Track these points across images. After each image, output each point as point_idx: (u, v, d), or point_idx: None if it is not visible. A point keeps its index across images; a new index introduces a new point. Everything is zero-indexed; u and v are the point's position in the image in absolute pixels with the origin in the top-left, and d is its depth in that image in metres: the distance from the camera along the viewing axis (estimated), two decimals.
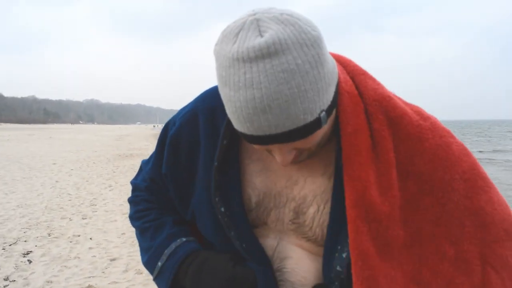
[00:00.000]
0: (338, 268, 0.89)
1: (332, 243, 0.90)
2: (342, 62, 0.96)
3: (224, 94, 0.76)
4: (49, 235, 5.74)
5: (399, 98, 0.95)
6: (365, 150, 0.86)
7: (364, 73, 0.94)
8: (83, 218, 6.72)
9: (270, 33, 0.70)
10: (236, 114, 0.75)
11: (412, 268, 0.86)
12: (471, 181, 0.88)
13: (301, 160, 0.89)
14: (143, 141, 33.90)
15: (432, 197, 0.86)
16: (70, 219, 6.64)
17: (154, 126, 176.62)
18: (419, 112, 0.92)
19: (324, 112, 0.76)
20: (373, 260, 0.84)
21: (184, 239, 1.05)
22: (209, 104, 1.03)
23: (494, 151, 29.65)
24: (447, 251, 0.86)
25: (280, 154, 0.82)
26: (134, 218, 1.15)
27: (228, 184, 0.97)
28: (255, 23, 0.72)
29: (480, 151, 28.22)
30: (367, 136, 0.87)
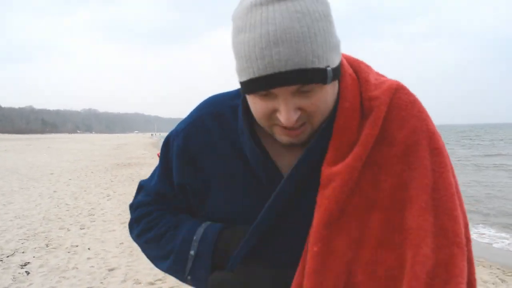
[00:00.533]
0: None
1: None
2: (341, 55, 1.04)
3: (237, 42, 0.82)
4: (47, 245, 5.72)
5: (391, 79, 1.01)
6: (354, 126, 0.91)
7: (357, 60, 1.04)
8: (81, 228, 6.70)
9: None
10: (249, 55, 0.80)
11: (379, 232, 0.87)
12: (439, 156, 0.91)
13: (303, 138, 0.91)
14: (141, 150, 33.90)
15: (405, 162, 0.90)
16: (68, 230, 6.62)
17: (152, 134, 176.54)
18: (404, 89, 0.98)
19: (330, 68, 0.82)
20: (337, 221, 0.88)
21: (208, 222, 1.02)
22: (214, 109, 1.06)
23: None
24: (412, 218, 0.86)
25: (285, 109, 0.84)
26: (145, 230, 1.10)
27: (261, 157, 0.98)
28: None
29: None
30: (358, 114, 0.93)
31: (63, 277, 4.52)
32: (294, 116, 0.84)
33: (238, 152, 1.01)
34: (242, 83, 0.86)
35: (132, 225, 1.16)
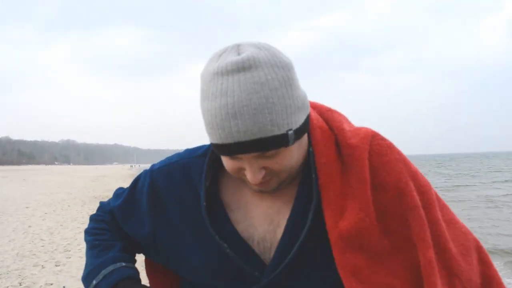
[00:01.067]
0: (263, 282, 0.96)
1: (277, 264, 0.95)
2: (311, 104, 1.07)
3: (203, 108, 0.85)
4: (20, 284, 5.54)
5: (363, 127, 1.05)
6: (337, 177, 0.94)
7: (329, 109, 1.07)
8: (56, 265, 6.51)
9: (247, 53, 0.82)
10: (211, 123, 0.83)
11: (408, 273, 0.92)
12: (426, 193, 0.97)
13: (272, 188, 0.94)
14: (120, 182, 33.46)
15: (402, 203, 0.94)
16: (43, 267, 6.43)
17: (131, 166, 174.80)
18: (378, 135, 1.02)
19: (292, 131, 0.84)
20: (365, 272, 0.90)
21: (123, 264, 1.07)
22: (183, 159, 1.10)
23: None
24: (423, 254, 0.91)
25: (250, 171, 0.88)
26: (88, 233, 1.17)
27: (221, 223, 1.00)
28: (236, 47, 0.85)
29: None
30: (338, 165, 0.96)
31: None
32: (259, 175, 0.88)
33: (197, 204, 1.03)
34: (211, 143, 0.89)
35: (90, 220, 1.23)
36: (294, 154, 0.90)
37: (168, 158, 1.15)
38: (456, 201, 17.92)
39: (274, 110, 0.80)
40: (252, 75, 0.80)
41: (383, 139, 1.01)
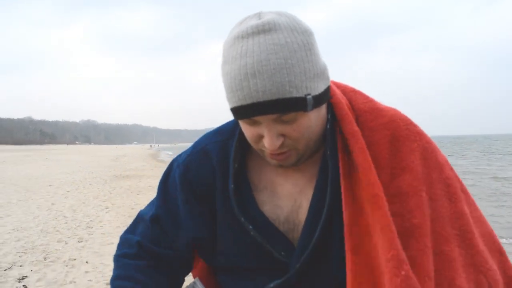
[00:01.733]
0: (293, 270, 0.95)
1: (304, 246, 0.95)
2: (334, 84, 1.06)
3: (223, 73, 0.87)
4: (45, 259, 5.68)
5: (392, 109, 1.03)
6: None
7: (353, 90, 1.06)
8: (79, 241, 6.66)
9: (267, 17, 0.84)
10: (231, 85, 0.84)
11: (415, 257, 0.89)
12: (452, 186, 0.96)
13: (291, 162, 0.94)
14: (140, 162, 33.87)
15: (426, 192, 0.93)
16: (66, 243, 6.59)
17: (150, 146, 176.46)
18: (408, 120, 1.00)
19: (310, 97, 0.84)
20: (365, 254, 0.90)
21: None
22: (216, 139, 1.09)
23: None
24: (440, 246, 0.90)
25: (268, 136, 0.88)
26: (112, 284, 1.09)
27: (247, 205, 1.01)
28: (257, 14, 0.88)
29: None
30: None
31: None
32: (277, 142, 0.88)
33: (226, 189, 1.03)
34: (230, 110, 0.90)
35: (113, 262, 1.14)
36: (312, 122, 0.89)
37: (193, 146, 1.13)
38: None
39: (292, 72, 0.81)
40: (272, 37, 0.81)
41: (412, 124, 1.00)
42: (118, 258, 1.13)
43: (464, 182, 1.01)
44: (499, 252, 0.98)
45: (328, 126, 0.96)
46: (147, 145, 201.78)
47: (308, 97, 0.84)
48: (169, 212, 1.09)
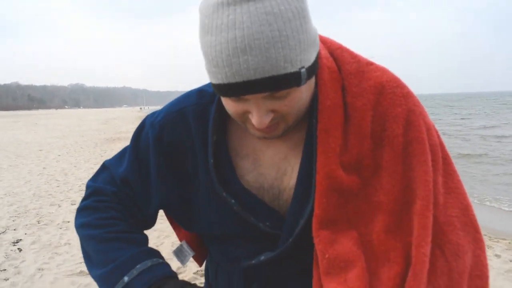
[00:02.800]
0: (290, 240, 0.92)
1: (295, 219, 0.92)
2: (321, 39, 0.96)
3: (204, 44, 0.75)
4: (38, 222, 5.71)
5: (379, 69, 0.94)
6: (339, 124, 0.87)
7: (340, 47, 0.96)
8: (72, 204, 6.68)
9: None
10: (215, 60, 0.74)
11: (384, 228, 0.86)
12: (436, 154, 0.88)
13: (278, 135, 0.88)
14: (130, 124, 33.70)
15: (405, 162, 0.86)
16: (59, 206, 6.60)
17: (140, 108, 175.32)
18: (395, 81, 0.92)
19: (304, 69, 0.76)
20: (339, 227, 0.86)
21: (160, 260, 0.96)
22: (197, 101, 1.00)
23: None
24: (416, 214, 0.85)
25: (257, 114, 0.80)
26: (92, 225, 0.98)
27: (228, 178, 0.96)
28: None
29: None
30: (342, 111, 0.88)
31: (56, 253, 4.53)
32: (266, 119, 0.81)
33: (205, 155, 0.97)
34: (212, 85, 0.80)
35: (81, 211, 1.03)
36: (304, 95, 0.82)
37: (170, 105, 1.03)
38: None
39: (287, 45, 0.72)
40: (264, 5, 0.70)
41: (399, 86, 0.91)
42: (95, 204, 1.01)
43: None
44: (473, 228, 0.89)
45: (315, 90, 0.89)
46: (137, 108, 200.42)
47: (302, 70, 0.76)
48: (139, 176, 1.01)
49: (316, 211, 0.86)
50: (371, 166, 0.87)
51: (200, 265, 1.23)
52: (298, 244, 0.92)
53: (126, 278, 0.90)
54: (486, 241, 5.19)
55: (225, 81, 0.75)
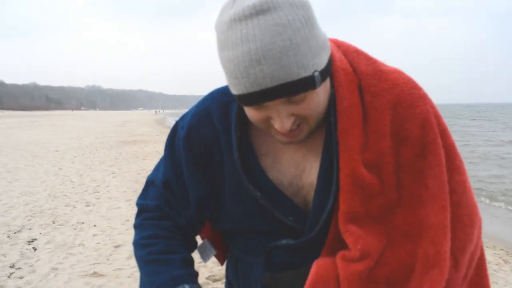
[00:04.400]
0: (312, 233, 0.97)
1: (317, 215, 0.96)
2: (336, 43, 1.02)
3: (223, 59, 0.82)
4: (53, 222, 5.78)
5: (395, 71, 0.98)
6: (358, 123, 0.91)
7: (356, 51, 1.01)
8: (86, 205, 6.75)
9: None
10: (234, 73, 0.80)
11: (406, 229, 0.90)
12: (451, 156, 0.93)
13: (302, 138, 0.93)
14: (146, 127, 33.95)
15: (425, 161, 0.91)
16: (74, 207, 6.67)
17: (156, 111, 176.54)
18: (412, 83, 0.97)
19: (317, 73, 0.81)
20: (364, 222, 0.90)
21: (186, 286, 0.99)
22: (221, 100, 1.06)
23: None
24: (437, 218, 0.89)
25: (278, 118, 0.85)
26: (139, 245, 1.07)
27: (253, 172, 1.01)
28: None
29: None
30: (360, 110, 0.93)
31: (70, 253, 4.57)
32: (288, 123, 0.86)
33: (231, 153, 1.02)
34: (234, 96, 0.86)
35: (135, 229, 1.13)
36: (321, 97, 0.87)
37: (197, 105, 1.10)
38: None
39: (299, 52, 0.78)
40: (273, 17, 0.76)
41: (416, 87, 0.96)
42: (141, 222, 1.11)
43: None
44: (479, 225, 0.96)
45: (332, 91, 0.93)
46: (153, 111, 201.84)
47: (316, 73, 0.81)
48: (177, 175, 1.07)
49: (342, 207, 0.90)
50: (391, 164, 0.91)
51: (222, 263, 1.27)
52: (318, 236, 0.96)
53: None
54: (504, 256, 5.13)
55: (245, 91, 0.81)
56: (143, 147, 15.92)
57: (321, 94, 0.87)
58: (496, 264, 4.80)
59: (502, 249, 5.45)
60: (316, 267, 0.93)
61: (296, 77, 0.78)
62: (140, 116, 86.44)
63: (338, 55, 0.96)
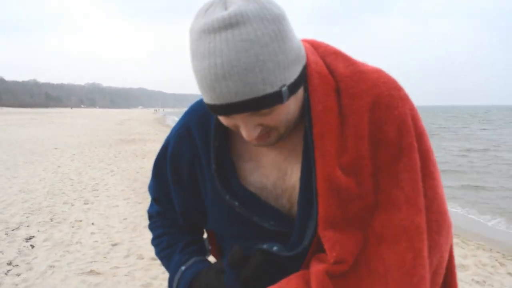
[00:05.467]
0: (305, 242, 0.94)
1: (303, 220, 0.95)
2: (314, 45, 1.00)
3: (193, 67, 0.81)
4: (51, 220, 5.79)
5: (376, 71, 0.97)
6: (334, 127, 0.90)
7: (335, 52, 0.99)
8: (85, 203, 6.77)
9: (233, 7, 0.76)
10: (202, 84, 0.80)
11: (385, 232, 0.89)
12: (425, 161, 0.92)
13: (271, 142, 0.92)
14: (145, 126, 33.96)
15: (401, 163, 0.90)
16: (72, 204, 6.69)
17: (155, 110, 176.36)
18: (392, 83, 0.95)
19: (285, 87, 0.80)
20: (341, 227, 0.88)
21: (182, 268, 1.13)
22: (198, 112, 1.08)
23: None
24: (411, 219, 0.88)
25: (245, 129, 0.86)
26: (153, 246, 1.24)
27: (230, 181, 1.01)
28: (223, 0, 0.79)
29: None
30: (336, 114, 0.91)
31: (67, 251, 4.59)
32: (254, 133, 0.86)
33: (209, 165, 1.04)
34: (205, 103, 0.87)
35: (150, 230, 1.28)
36: (291, 108, 0.86)
37: (180, 119, 1.13)
38: None
39: (265, 68, 0.76)
40: (240, 32, 0.75)
41: (396, 88, 0.94)
42: (151, 226, 1.27)
43: None
44: (447, 231, 0.95)
45: (306, 95, 0.91)
46: (152, 110, 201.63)
47: (284, 88, 0.80)
48: (163, 193, 1.18)
49: (320, 212, 0.89)
50: (368, 167, 0.90)
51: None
52: (314, 244, 0.95)
53: (174, 285, 1.13)
54: (500, 259, 5.14)
55: (211, 102, 0.81)
56: (142, 146, 15.93)
57: (290, 105, 0.86)
58: (492, 267, 4.82)
59: (498, 252, 5.47)
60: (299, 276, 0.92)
61: (261, 93, 0.78)
62: (140, 114, 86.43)
63: (313, 58, 0.94)
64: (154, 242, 1.23)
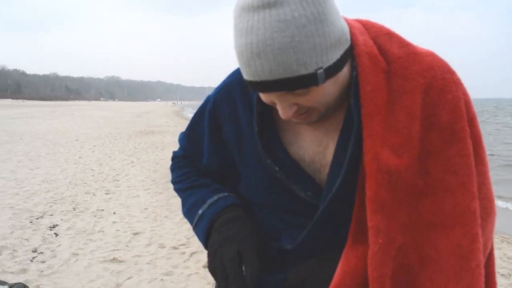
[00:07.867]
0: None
1: (329, 189, 0.97)
2: (366, 25, 1.00)
3: (234, 43, 0.84)
4: (74, 209, 5.88)
5: (430, 54, 0.96)
6: (382, 107, 0.90)
7: (389, 33, 0.98)
8: (106, 193, 6.85)
9: None
10: (239, 59, 0.84)
11: (432, 218, 0.88)
12: (477, 147, 0.92)
13: (313, 121, 0.93)
14: (164, 118, 34.16)
15: (454, 148, 0.89)
16: (94, 194, 6.78)
17: (173, 103, 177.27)
18: (446, 67, 0.95)
19: (322, 70, 0.81)
20: (389, 209, 0.87)
21: (226, 194, 1.16)
22: (242, 77, 1.06)
23: None
24: (466, 204, 0.87)
25: (280, 107, 0.88)
26: (177, 182, 1.28)
27: (273, 146, 1.03)
28: None
29: None
30: (385, 95, 0.90)
31: (90, 239, 4.66)
32: (290, 112, 0.87)
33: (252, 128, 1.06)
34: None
35: (171, 172, 1.34)
36: (329, 90, 0.86)
37: (223, 81, 1.15)
38: None
39: (300, 50, 0.77)
40: (278, 12, 0.76)
41: (450, 72, 0.94)
42: (174, 165, 1.33)
43: None
44: (493, 218, 0.96)
45: (354, 74, 0.92)
46: (170, 102, 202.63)
47: (319, 71, 0.80)
48: (195, 150, 1.24)
49: (368, 193, 0.88)
50: (417, 149, 0.89)
51: None
52: (331, 214, 0.97)
53: (200, 211, 1.15)
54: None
55: (248, 78, 0.84)
56: (161, 138, 16.03)
57: (328, 87, 0.86)
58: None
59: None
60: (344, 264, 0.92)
61: (295, 74, 0.79)
62: (158, 107, 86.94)
63: (363, 38, 0.94)
64: (180, 178, 1.27)
